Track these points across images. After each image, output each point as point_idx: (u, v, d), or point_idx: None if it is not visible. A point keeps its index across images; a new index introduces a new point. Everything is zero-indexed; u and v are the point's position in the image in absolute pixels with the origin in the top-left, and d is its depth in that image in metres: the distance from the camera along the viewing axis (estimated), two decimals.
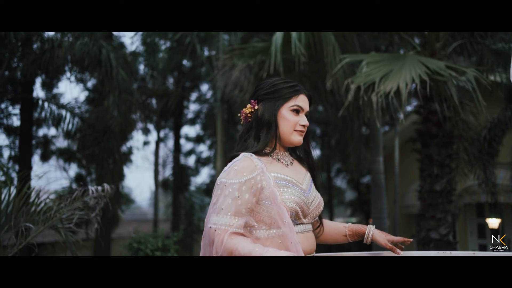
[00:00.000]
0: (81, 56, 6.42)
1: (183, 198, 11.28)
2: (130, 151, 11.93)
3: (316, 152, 1.91)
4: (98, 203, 3.77)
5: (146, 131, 13.54)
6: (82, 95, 18.49)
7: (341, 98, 5.29)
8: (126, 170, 12.63)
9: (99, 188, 3.68)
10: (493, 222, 7.57)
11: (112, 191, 3.93)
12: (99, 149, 7.46)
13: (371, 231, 1.87)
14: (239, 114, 1.79)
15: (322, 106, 8.27)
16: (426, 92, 4.59)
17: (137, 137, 20.26)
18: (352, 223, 1.95)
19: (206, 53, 9.76)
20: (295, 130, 1.71)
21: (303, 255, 1.58)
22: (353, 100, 4.63)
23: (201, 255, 1.63)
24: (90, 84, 10.27)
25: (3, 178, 4.49)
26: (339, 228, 1.91)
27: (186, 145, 14.80)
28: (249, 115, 1.75)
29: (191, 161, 14.58)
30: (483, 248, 9.38)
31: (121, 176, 8.95)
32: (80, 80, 9.72)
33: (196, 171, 14.17)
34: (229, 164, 1.64)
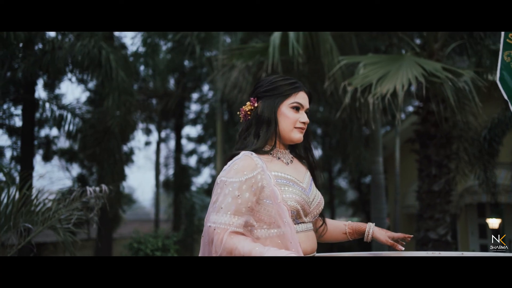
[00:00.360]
0: (82, 57, 6.45)
1: (184, 198, 11.31)
2: (131, 151, 11.98)
3: (317, 152, 1.91)
4: (96, 204, 3.80)
5: (147, 132, 13.60)
6: (84, 96, 18.57)
7: (340, 98, 5.31)
8: (129, 170, 12.69)
9: (97, 188, 3.70)
10: (493, 222, 7.56)
11: (111, 191, 3.95)
12: (99, 149, 7.50)
13: (371, 229, 1.87)
14: (238, 113, 1.78)
15: (322, 106, 8.28)
16: (424, 93, 4.60)
17: (139, 137, 20.33)
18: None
19: (206, 54, 9.78)
20: (295, 127, 1.69)
21: (302, 255, 1.57)
22: (351, 101, 4.65)
23: (200, 254, 1.61)
24: (91, 85, 10.32)
25: (3, 179, 4.52)
26: (339, 226, 1.90)
27: (188, 145, 14.87)
28: (248, 112, 1.74)
29: (192, 161, 14.63)
30: (484, 248, 9.36)
31: (122, 176, 8.99)
32: (81, 81, 9.76)
33: (197, 171, 14.21)
34: (229, 163, 1.63)
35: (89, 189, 3.70)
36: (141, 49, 10.16)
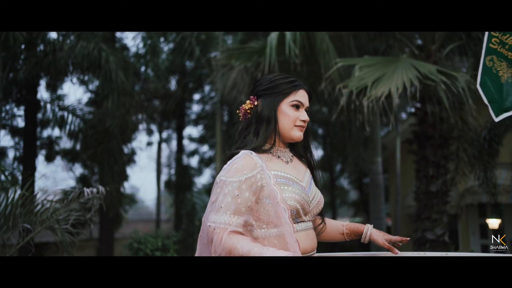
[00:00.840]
0: (82, 58, 6.50)
1: (185, 198, 11.34)
2: (133, 151, 12.04)
3: (318, 152, 1.92)
4: (94, 204, 3.84)
5: (149, 132, 13.66)
6: (85, 97, 18.67)
7: (337, 100, 5.33)
8: (132, 170, 12.73)
9: (94, 190, 3.75)
10: (493, 223, 7.57)
11: (110, 192, 4.00)
12: (100, 150, 7.56)
13: (369, 231, 1.85)
14: (238, 111, 1.77)
15: (321, 107, 8.30)
16: (420, 96, 4.62)
17: (141, 137, 20.44)
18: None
19: (206, 55, 9.81)
20: (296, 126, 1.69)
21: (300, 255, 1.57)
22: (348, 103, 4.67)
23: (197, 254, 1.61)
24: (92, 86, 10.38)
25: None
26: (337, 226, 1.90)
27: (190, 146, 14.92)
28: (248, 111, 1.73)
29: (194, 161, 14.67)
30: (485, 248, 9.34)
31: (123, 177, 9.04)
32: (82, 82, 9.83)
33: (199, 172, 14.25)
34: (228, 162, 1.62)
35: (86, 190, 3.74)
36: (142, 50, 10.22)
